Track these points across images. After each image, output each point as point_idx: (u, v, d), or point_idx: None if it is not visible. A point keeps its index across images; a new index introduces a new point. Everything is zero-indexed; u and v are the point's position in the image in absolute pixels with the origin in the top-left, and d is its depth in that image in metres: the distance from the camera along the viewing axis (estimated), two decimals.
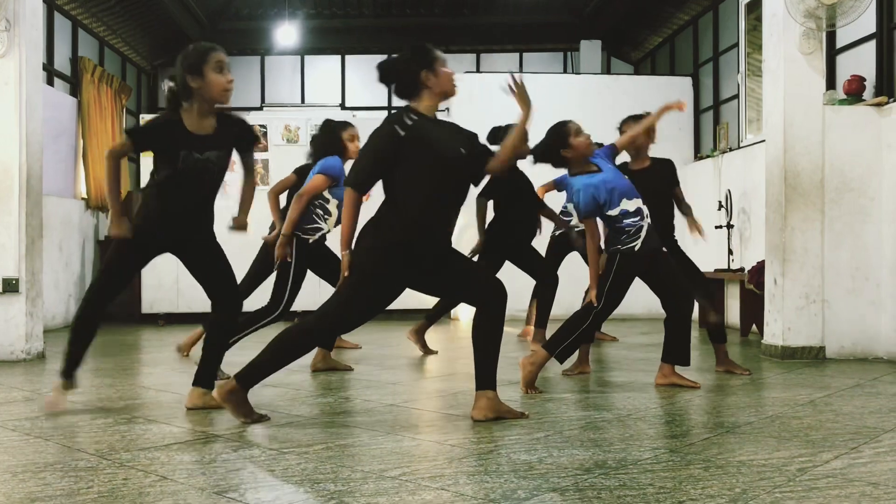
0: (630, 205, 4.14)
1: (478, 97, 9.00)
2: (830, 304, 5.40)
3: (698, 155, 9.23)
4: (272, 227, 5.62)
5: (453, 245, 3.46)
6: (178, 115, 3.51)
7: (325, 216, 4.79)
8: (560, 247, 6.05)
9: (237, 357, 4.27)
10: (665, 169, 4.90)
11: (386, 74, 3.37)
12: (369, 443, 2.99)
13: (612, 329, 6.97)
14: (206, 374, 3.69)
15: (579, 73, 10.74)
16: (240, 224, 3.79)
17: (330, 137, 4.85)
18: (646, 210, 4.19)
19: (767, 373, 4.81)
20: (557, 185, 5.85)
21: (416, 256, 3.31)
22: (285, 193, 5.33)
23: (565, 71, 11.79)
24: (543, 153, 4.26)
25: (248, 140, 3.72)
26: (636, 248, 4.14)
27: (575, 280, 6.18)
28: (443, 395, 4.08)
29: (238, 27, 11.60)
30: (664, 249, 4.38)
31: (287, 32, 10.96)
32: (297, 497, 2.29)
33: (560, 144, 4.21)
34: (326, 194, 4.75)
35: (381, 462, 2.69)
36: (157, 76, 11.81)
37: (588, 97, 9.29)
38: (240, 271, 4.01)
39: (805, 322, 5.37)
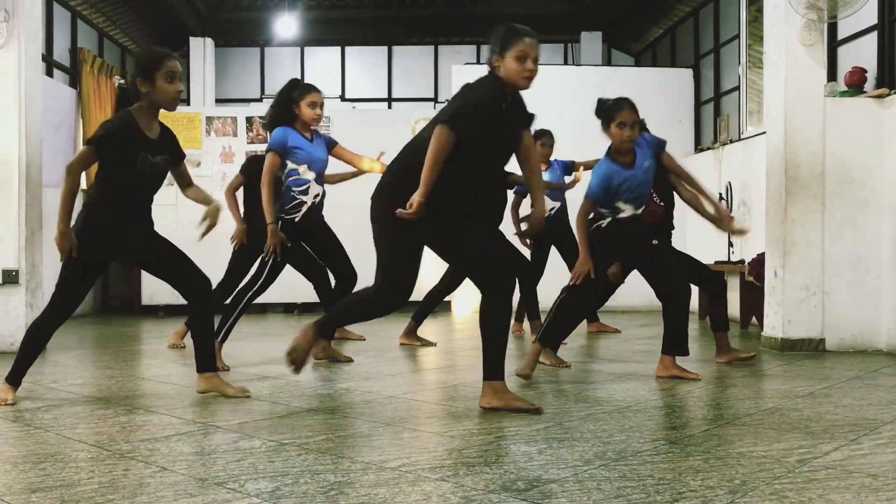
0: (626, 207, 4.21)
1: None
2: (830, 296, 5.40)
3: (699, 147, 9.22)
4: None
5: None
6: (131, 115, 3.52)
7: (303, 186, 4.68)
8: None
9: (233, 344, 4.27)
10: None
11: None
12: (369, 434, 2.99)
13: (612, 321, 6.97)
14: (204, 359, 3.72)
15: (580, 65, 10.72)
16: (211, 221, 3.61)
17: (281, 102, 4.72)
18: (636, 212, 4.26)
19: (767, 365, 4.81)
20: (520, 195, 6.01)
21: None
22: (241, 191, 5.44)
23: (566, 63, 11.77)
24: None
25: (180, 152, 3.74)
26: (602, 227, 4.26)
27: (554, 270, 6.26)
28: (443, 387, 4.08)
29: (238, 18, 11.57)
30: (654, 242, 4.42)
31: (287, 23, 10.94)
32: (297, 488, 2.29)
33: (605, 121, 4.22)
34: (292, 165, 4.65)
35: (380, 453, 2.69)
36: None
37: (588, 89, 9.21)
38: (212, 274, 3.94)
39: (805, 314, 5.37)
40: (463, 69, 9.30)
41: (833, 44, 6.38)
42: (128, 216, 3.57)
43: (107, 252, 3.62)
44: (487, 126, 3.25)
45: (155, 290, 8.54)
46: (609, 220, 4.23)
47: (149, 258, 3.71)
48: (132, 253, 3.69)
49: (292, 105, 4.69)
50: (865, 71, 5.72)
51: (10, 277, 5.47)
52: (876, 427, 3.07)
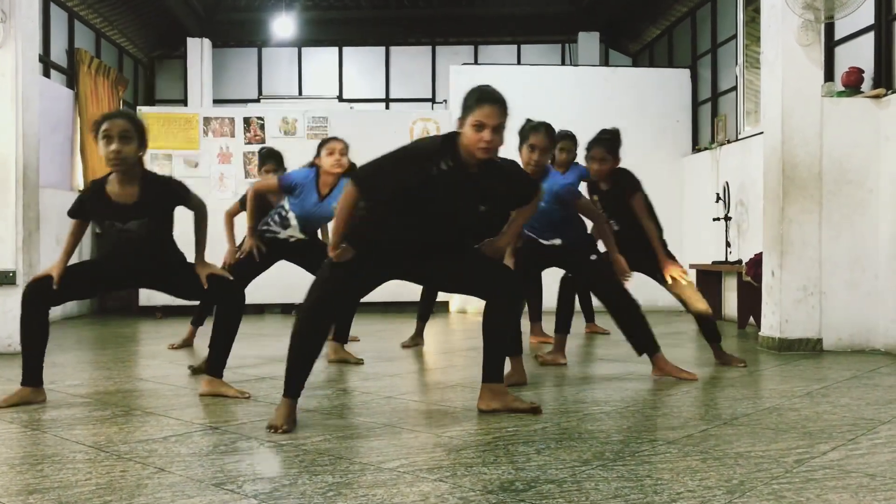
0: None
1: None
2: (828, 296, 5.40)
3: (696, 147, 9.23)
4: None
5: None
6: (102, 181, 3.59)
7: (281, 224, 4.83)
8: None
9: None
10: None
11: None
12: (367, 435, 2.99)
13: (606, 320, 6.95)
14: (214, 364, 3.76)
15: (577, 65, 10.73)
16: (201, 270, 3.69)
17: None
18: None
19: (765, 365, 4.82)
20: None
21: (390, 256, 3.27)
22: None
23: (563, 63, 11.77)
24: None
25: (177, 198, 3.67)
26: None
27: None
28: (441, 388, 4.08)
29: (235, 18, 11.57)
30: (593, 257, 4.47)
31: (284, 24, 10.94)
32: (295, 489, 2.29)
33: None
34: (286, 204, 4.79)
35: (378, 454, 2.69)
36: (154, 68, 11.78)
37: (586, 89, 9.29)
38: None
39: (802, 314, 5.37)
40: (461, 69, 9.31)
41: (830, 44, 6.39)
42: (112, 267, 3.68)
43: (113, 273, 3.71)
44: (411, 186, 3.10)
45: (152, 291, 8.52)
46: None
47: (165, 285, 3.80)
48: (147, 284, 3.83)
49: (316, 154, 4.79)
50: (862, 71, 5.73)
51: (7, 279, 5.45)
52: (873, 427, 3.07)
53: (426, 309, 5.86)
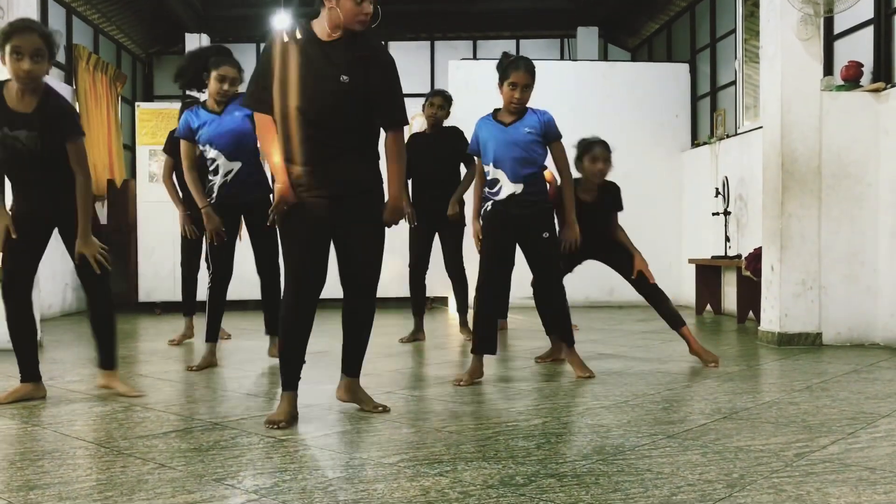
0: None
1: (474, 84, 8.97)
2: (827, 290, 5.41)
3: (695, 142, 9.23)
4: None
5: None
6: (2, 85, 3.43)
7: (213, 170, 4.56)
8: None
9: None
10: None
11: None
12: (367, 429, 2.99)
13: (608, 315, 6.97)
14: (104, 358, 3.71)
15: (576, 60, 10.71)
16: (80, 245, 3.49)
17: (195, 67, 4.57)
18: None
19: (764, 359, 4.82)
20: None
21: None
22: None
23: (562, 58, 11.76)
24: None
25: (66, 122, 3.44)
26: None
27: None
28: (441, 382, 4.08)
29: (233, 14, 11.53)
30: (545, 235, 4.16)
31: (282, 19, 10.91)
32: (296, 484, 2.29)
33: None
34: (201, 147, 4.56)
35: (379, 448, 2.69)
36: (152, 64, 11.76)
37: (585, 84, 9.28)
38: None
39: (802, 308, 5.37)
40: (460, 64, 9.30)
41: (829, 38, 6.38)
42: (19, 188, 3.53)
43: (25, 224, 3.54)
44: (277, 64, 3.09)
45: (152, 286, 8.54)
46: (490, 202, 4.14)
47: (61, 236, 3.62)
48: (51, 225, 3.62)
49: (203, 73, 4.54)
50: (862, 65, 5.72)
51: None
52: (873, 420, 3.08)
53: (418, 303, 5.83)
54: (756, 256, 6.19)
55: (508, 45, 11.80)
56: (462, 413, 3.29)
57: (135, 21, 10.57)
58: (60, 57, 8.88)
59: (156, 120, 8.46)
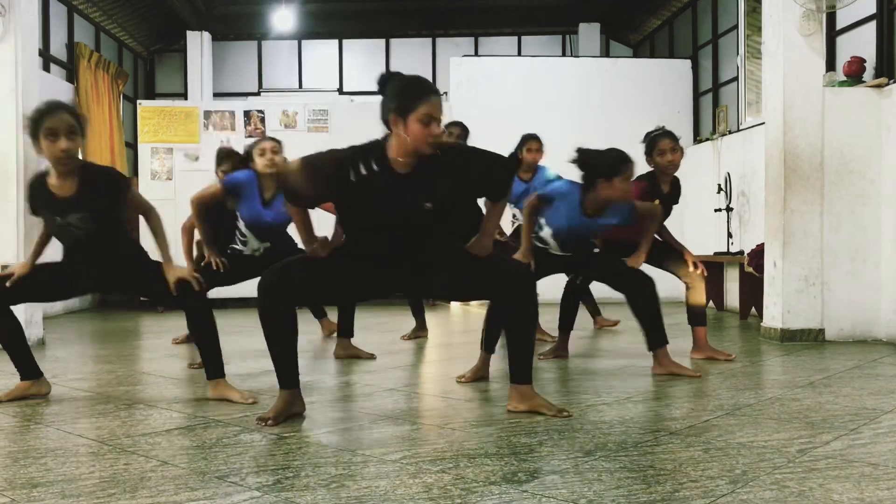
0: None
1: (476, 81, 8.97)
2: (830, 286, 5.40)
3: (697, 138, 9.22)
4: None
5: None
6: (43, 175, 3.48)
7: (242, 239, 4.67)
8: None
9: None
10: None
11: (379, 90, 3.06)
12: (370, 427, 3.00)
13: (607, 312, 6.96)
14: (211, 368, 3.57)
15: (578, 57, 10.70)
16: (168, 273, 3.49)
17: (245, 154, 4.65)
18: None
19: (767, 355, 4.82)
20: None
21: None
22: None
23: (564, 54, 11.74)
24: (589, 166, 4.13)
25: (114, 188, 3.47)
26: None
27: None
28: (444, 380, 4.09)
29: (234, 11, 11.54)
30: (595, 251, 4.44)
31: (284, 17, 10.91)
32: (299, 481, 2.29)
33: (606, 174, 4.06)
34: (238, 217, 4.62)
35: (381, 445, 2.69)
36: (153, 62, 11.76)
37: (586, 80, 9.27)
38: None
39: (804, 304, 5.37)
40: (461, 61, 9.29)
41: (831, 33, 6.37)
42: (73, 270, 3.56)
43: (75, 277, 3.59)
44: (335, 194, 3.00)
45: None
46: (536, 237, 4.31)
47: (125, 283, 3.65)
48: (113, 286, 3.69)
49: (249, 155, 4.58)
50: (864, 60, 5.71)
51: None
52: (876, 417, 3.07)
53: (416, 302, 5.83)
54: (758, 252, 6.18)
55: (510, 42, 11.80)
56: (464, 410, 3.29)
57: (136, 19, 10.57)
58: (62, 55, 8.90)
59: (157, 118, 8.46)
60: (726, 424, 2.97)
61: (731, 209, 7.68)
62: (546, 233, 4.29)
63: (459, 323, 6.98)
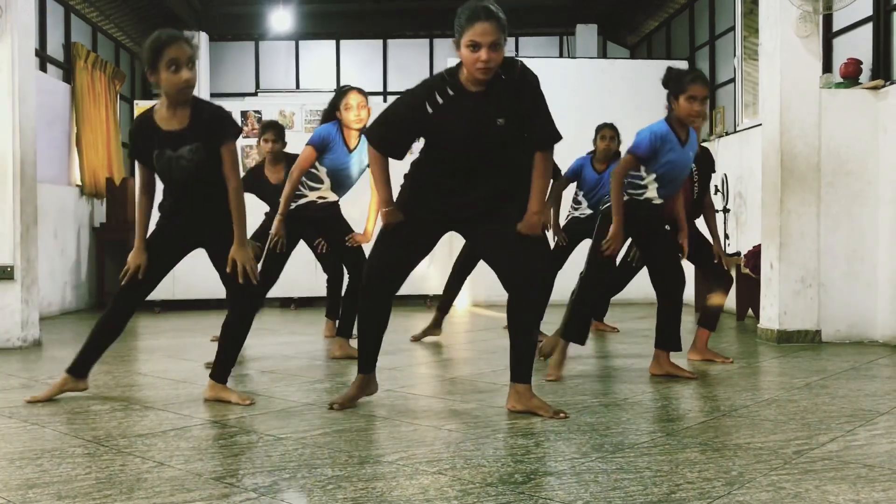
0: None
1: None
2: (826, 287, 5.41)
3: None
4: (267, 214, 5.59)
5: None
6: (149, 111, 3.45)
7: (311, 184, 4.69)
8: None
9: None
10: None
11: None
12: (366, 428, 2.99)
13: (608, 315, 6.96)
14: (220, 370, 3.55)
15: (575, 58, 10.70)
16: (235, 252, 3.42)
17: (330, 106, 4.73)
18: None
19: (763, 357, 4.82)
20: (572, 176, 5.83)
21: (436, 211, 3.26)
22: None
23: (561, 55, 11.75)
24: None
25: (217, 137, 3.40)
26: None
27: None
28: (440, 381, 4.09)
29: (232, 12, 11.53)
30: (667, 228, 4.28)
31: (281, 17, 10.90)
32: (295, 482, 2.29)
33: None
34: (316, 163, 4.65)
35: (378, 447, 2.69)
36: None
37: (584, 81, 9.27)
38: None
39: (801, 306, 5.37)
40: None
41: (828, 35, 6.38)
42: (175, 213, 3.53)
43: (172, 240, 3.59)
44: (421, 129, 3.14)
45: None
46: (632, 199, 4.06)
47: (213, 253, 3.55)
48: (200, 241, 3.60)
49: (335, 108, 4.66)
50: (861, 62, 5.72)
51: (6, 274, 5.45)
52: (872, 418, 3.08)
53: (448, 301, 5.74)
54: (755, 254, 6.19)
55: (508, 43, 11.79)
56: (460, 412, 3.29)
57: (133, 19, 10.56)
58: (59, 55, 8.89)
59: None
60: (723, 426, 2.97)
61: (728, 210, 7.69)
62: (649, 182, 4.06)
63: (459, 324, 6.98)
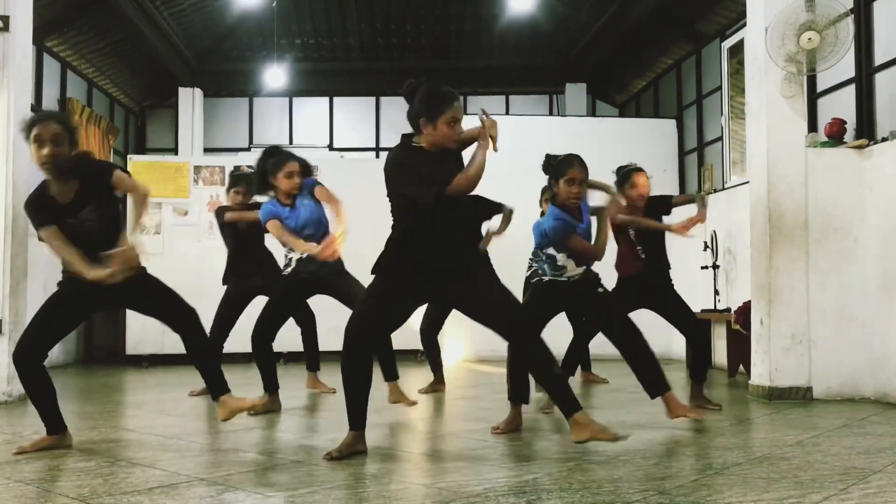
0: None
1: None
2: (817, 344, 5.41)
3: None
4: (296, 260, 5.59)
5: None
6: (44, 185, 3.59)
7: (289, 247, 4.78)
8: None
9: None
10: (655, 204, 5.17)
11: (406, 97, 3.51)
12: (355, 486, 2.96)
13: (598, 369, 6.94)
14: (215, 388, 3.73)
15: (565, 116, 10.87)
16: (122, 249, 3.50)
17: (263, 171, 4.75)
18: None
19: (755, 414, 4.80)
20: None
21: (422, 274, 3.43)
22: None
23: (551, 113, 11.93)
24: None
25: (100, 172, 3.63)
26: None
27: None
28: (431, 437, 4.05)
29: (226, 69, 11.69)
30: (600, 290, 4.42)
31: (275, 74, 11.05)
32: None
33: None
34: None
35: None
36: (145, 117, 11.86)
37: (573, 139, 9.36)
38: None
39: (792, 362, 5.37)
40: None
41: (812, 95, 6.51)
42: (81, 287, 3.63)
43: (82, 300, 3.72)
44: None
45: (139, 339, 8.45)
46: (554, 281, 4.33)
47: (135, 301, 3.76)
48: (109, 300, 3.74)
49: (269, 177, 4.71)
50: (845, 122, 5.82)
51: None
52: (865, 476, 3.06)
53: (434, 358, 5.99)
54: (745, 310, 6.20)
55: (499, 101, 11.97)
56: (451, 468, 3.25)
57: (128, 75, 10.69)
58: (54, 109, 8.96)
59: (148, 173, 8.48)
60: (715, 484, 2.95)
61: (718, 266, 7.73)
62: (565, 262, 4.33)
63: (452, 380, 6.93)
